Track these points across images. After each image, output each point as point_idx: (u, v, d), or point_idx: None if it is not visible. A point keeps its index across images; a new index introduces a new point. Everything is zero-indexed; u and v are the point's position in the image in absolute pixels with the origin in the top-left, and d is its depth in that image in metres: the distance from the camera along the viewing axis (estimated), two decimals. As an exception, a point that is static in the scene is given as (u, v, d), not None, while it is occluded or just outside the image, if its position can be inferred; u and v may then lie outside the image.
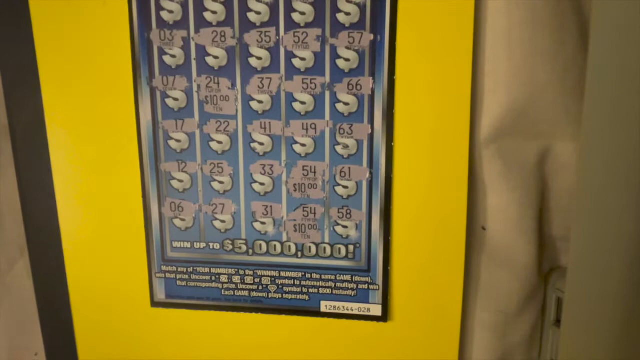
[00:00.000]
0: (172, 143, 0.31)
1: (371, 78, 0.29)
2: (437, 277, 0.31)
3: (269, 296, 0.32)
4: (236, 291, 0.32)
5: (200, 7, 0.29)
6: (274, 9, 0.29)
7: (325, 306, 0.32)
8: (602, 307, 0.25)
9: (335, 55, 0.29)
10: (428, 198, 0.30)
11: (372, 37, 0.29)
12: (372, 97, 0.30)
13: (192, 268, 0.33)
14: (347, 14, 0.29)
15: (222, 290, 0.33)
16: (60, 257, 0.33)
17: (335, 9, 0.29)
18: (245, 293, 0.32)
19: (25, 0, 0.30)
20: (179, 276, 0.33)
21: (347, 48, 0.29)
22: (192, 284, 0.33)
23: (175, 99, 0.31)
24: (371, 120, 0.30)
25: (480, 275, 0.32)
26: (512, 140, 0.29)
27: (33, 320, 0.35)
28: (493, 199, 0.30)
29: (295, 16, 0.29)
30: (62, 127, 0.32)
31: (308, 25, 0.29)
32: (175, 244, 0.33)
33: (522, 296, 0.31)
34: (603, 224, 0.24)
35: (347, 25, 0.29)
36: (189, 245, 0.33)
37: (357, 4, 0.29)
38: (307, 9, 0.29)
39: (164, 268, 0.33)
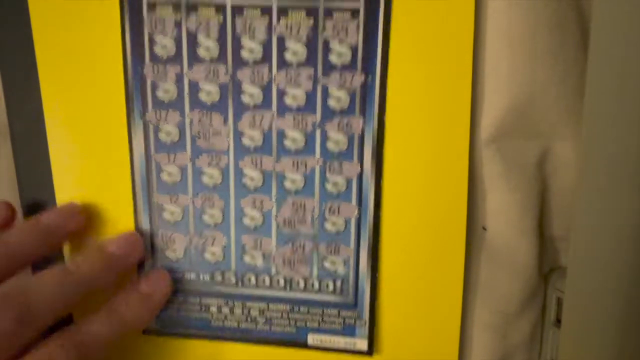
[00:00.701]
0: (164, 176, 0.32)
1: (361, 118, 0.30)
2: (434, 297, 0.31)
3: (257, 328, 0.33)
4: (225, 322, 0.33)
5: (193, 43, 0.30)
6: (267, 47, 0.29)
7: (312, 339, 0.32)
8: (602, 307, 0.25)
9: (326, 95, 0.29)
10: (425, 202, 0.30)
11: (363, 78, 0.29)
12: (361, 137, 0.30)
13: (182, 298, 0.33)
14: (339, 54, 0.29)
15: (212, 321, 0.33)
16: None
17: (328, 50, 0.29)
18: (234, 324, 0.33)
19: (24, 2, 0.30)
20: (170, 305, 0.33)
21: (339, 88, 0.29)
22: (183, 313, 0.33)
23: (168, 133, 0.31)
24: (361, 159, 0.30)
25: (480, 276, 0.31)
26: (512, 140, 0.29)
27: None
28: (493, 200, 0.30)
29: (288, 55, 0.29)
30: (61, 132, 0.32)
31: (300, 64, 0.29)
32: (166, 274, 0.33)
33: (522, 296, 0.31)
34: (603, 224, 0.24)
35: (339, 66, 0.29)
36: (179, 276, 0.33)
37: (349, 45, 0.29)
38: (300, 48, 0.29)
39: (154, 297, 0.33)
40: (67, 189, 0.32)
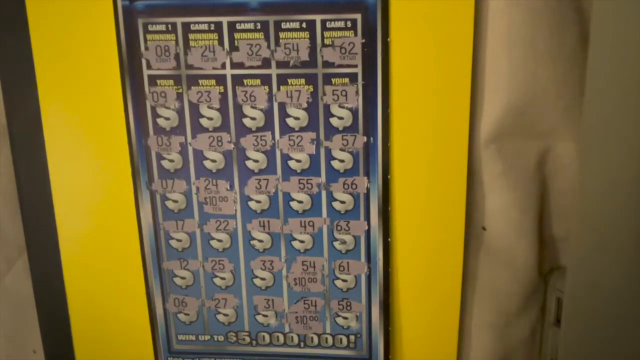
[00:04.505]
0: (173, 242, 0.32)
1: (366, 178, 0.30)
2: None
3: (274, 385, 0.33)
4: (241, 381, 0.33)
5: (196, 114, 0.30)
6: (268, 114, 0.30)
7: (328, 393, 0.33)
8: (602, 307, 0.25)
9: (330, 157, 0.30)
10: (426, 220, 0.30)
11: (365, 139, 0.30)
12: (367, 196, 0.30)
13: (197, 359, 0.33)
14: (340, 118, 0.29)
15: (228, 380, 0.33)
16: (57, 256, 0.33)
17: (329, 114, 0.29)
18: (250, 382, 0.33)
19: (22, 6, 0.30)
20: (185, 368, 0.33)
21: (342, 150, 0.30)
22: (198, 375, 0.33)
23: (175, 201, 0.31)
24: (367, 217, 0.31)
25: (480, 276, 0.32)
26: (512, 140, 0.29)
27: (31, 318, 0.35)
28: (493, 200, 0.30)
29: (290, 121, 0.30)
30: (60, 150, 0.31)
31: (302, 129, 0.30)
32: (181, 337, 0.33)
33: (522, 296, 0.32)
34: (603, 225, 0.24)
35: (340, 129, 0.30)
36: (193, 338, 0.33)
37: (350, 109, 0.29)
38: (301, 114, 0.30)
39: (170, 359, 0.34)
40: (75, 261, 0.33)
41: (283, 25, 0.28)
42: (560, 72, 0.28)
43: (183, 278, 0.32)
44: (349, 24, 0.28)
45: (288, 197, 0.31)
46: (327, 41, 0.28)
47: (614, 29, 0.23)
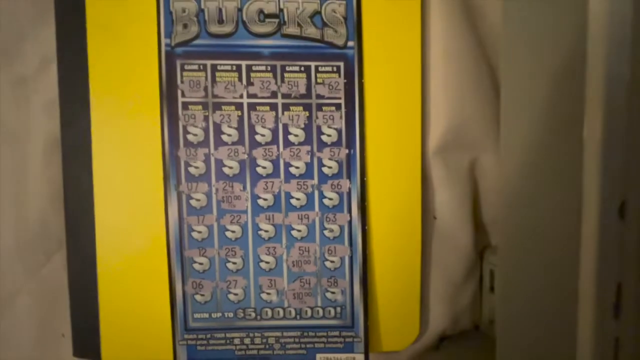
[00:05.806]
0: (194, 234, 0.39)
1: (348, 180, 0.40)
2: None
3: (275, 353, 0.40)
4: (247, 351, 0.40)
5: (218, 132, 0.39)
6: (275, 132, 0.39)
7: (319, 358, 0.40)
8: (527, 275, 0.33)
9: (321, 164, 0.39)
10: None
11: (347, 151, 0.39)
12: (349, 194, 0.40)
13: (210, 334, 0.40)
14: (329, 135, 0.39)
15: (235, 351, 0.40)
16: (93, 250, 0.38)
17: (320, 132, 0.39)
18: (255, 352, 0.40)
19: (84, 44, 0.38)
20: (199, 342, 0.39)
21: (330, 159, 0.40)
22: (210, 347, 0.40)
23: (198, 200, 0.39)
24: (349, 211, 0.40)
25: (433, 255, 0.42)
26: (451, 152, 0.41)
27: (63, 305, 0.39)
28: (440, 196, 0.41)
29: (291, 137, 0.39)
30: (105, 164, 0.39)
31: (300, 143, 0.39)
32: (196, 315, 0.40)
33: (465, 270, 0.42)
34: (522, 211, 0.34)
35: (328, 143, 0.39)
36: (207, 316, 0.40)
37: (336, 129, 0.39)
38: (300, 132, 0.39)
39: (186, 336, 0.39)
40: (109, 252, 0.39)
41: (287, 69, 0.39)
42: (481, 107, 0.41)
43: (201, 264, 0.39)
44: (334, 68, 0.39)
45: (289, 196, 0.39)
46: (319, 80, 0.39)
47: (522, 74, 0.33)
